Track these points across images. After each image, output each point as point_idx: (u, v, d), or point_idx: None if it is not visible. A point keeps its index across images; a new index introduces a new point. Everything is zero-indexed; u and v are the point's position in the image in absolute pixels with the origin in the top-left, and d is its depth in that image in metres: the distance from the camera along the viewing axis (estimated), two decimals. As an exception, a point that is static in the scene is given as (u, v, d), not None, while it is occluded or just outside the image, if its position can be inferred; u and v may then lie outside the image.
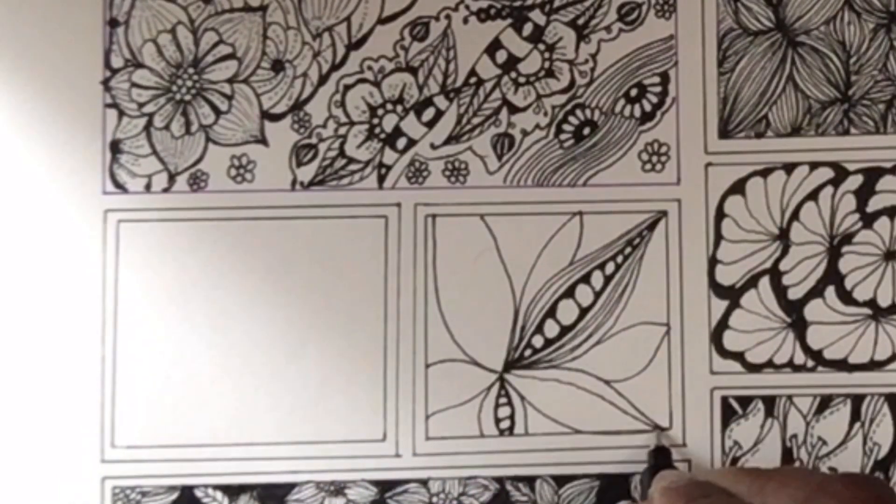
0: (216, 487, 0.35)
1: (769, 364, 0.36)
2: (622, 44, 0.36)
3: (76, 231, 0.36)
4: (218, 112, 0.36)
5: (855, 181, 0.36)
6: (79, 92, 0.36)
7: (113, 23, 0.36)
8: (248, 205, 0.36)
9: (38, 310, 0.35)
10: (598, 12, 0.36)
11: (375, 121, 0.36)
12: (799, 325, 0.36)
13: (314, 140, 0.36)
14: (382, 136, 0.36)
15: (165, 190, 0.36)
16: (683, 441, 0.36)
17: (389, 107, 0.36)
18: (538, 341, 0.36)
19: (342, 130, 0.36)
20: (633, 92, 0.36)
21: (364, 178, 0.36)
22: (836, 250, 0.36)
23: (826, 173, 0.36)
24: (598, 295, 0.36)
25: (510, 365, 0.36)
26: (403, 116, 0.36)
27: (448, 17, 0.36)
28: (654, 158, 0.36)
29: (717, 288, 0.36)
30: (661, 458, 0.35)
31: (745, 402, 0.36)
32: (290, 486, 0.35)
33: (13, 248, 0.36)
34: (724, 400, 0.36)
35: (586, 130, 0.36)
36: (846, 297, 0.36)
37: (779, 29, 0.37)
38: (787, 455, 0.35)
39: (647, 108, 0.36)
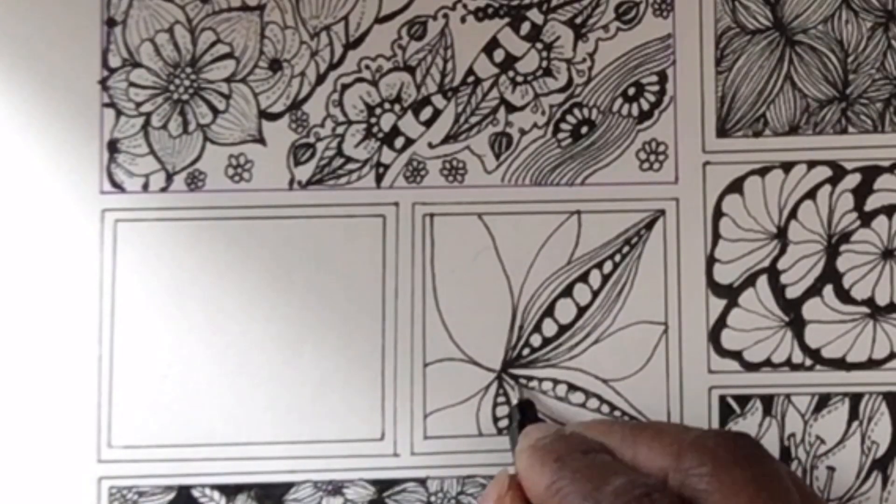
0: (213, 487, 0.35)
1: (767, 363, 0.36)
2: (620, 43, 0.36)
3: (73, 230, 0.36)
4: (215, 111, 0.36)
5: (853, 180, 0.36)
6: (76, 91, 0.36)
7: (110, 22, 0.36)
8: (246, 204, 0.36)
9: (34, 309, 0.35)
10: (596, 11, 0.37)
11: (373, 120, 0.36)
12: (797, 324, 0.36)
13: (312, 139, 0.36)
14: (380, 135, 0.36)
15: (163, 189, 0.36)
16: (682, 440, 0.35)
17: (387, 106, 0.36)
18: (536, 340, 0.36)
19: (340, 130, 0.36)
20: (631, 91, 0.36)
21: (362, 178, 0.36)
22: (834, 249, 0.36)
23: (824, 172, 0.36)
24: (596, 294, 0.36)
25: (508, 364, 0.36)
26: (401, 116, 0.36)
27: (446, 16, 0.36)
28: (652, 157, 0.36)
29: (714, 287, 0.36)
30: (526, 413, 0.34)
31: (742, 400, 0.36)
32: (287, 486, 0.35)
33: (10, 248, 0.35)
34: (722, 399, 0.36)
35: (584, 129, 0.36)
36: (844, 295, 0.36)
37: (776, 28, 0.37)
38: (786, 453, 0.35)
39: (645, 106, 0.36)
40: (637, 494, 0.28)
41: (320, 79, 0.36)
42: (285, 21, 0.36)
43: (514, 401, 0.35)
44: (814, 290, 0.36)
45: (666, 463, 0.29)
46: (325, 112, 0.36)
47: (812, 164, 0.36)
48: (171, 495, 0.35)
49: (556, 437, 0.32)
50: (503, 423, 0.35)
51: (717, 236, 0.36)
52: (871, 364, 0.36)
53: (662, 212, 0.36)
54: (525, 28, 0.37)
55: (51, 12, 0.36)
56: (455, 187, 0.36)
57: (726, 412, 0.36)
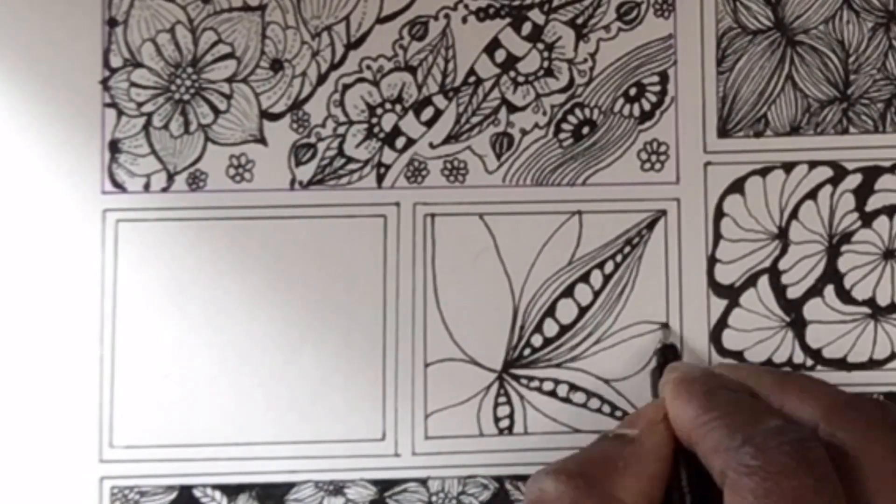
0: (215, 487, 0.35)
1: (768, 363, 0.36)
2: (621, 43, 0.36)
3: (75, 230, 0.36)
4: (217, 111, 0.36)
5: (854, 180, 0.36)
6: (77, 91, 0.36)
7: (112, 22, 0.36)
8: (247, 204, 0.36)
9: (36, 309, 0.35)
10: (597, 11, 0.37)
11: (374, 120, 0.36)
12: (798, 325, 0.36)
13: (313, 139, 0.36)
14: (381, 135, 0.36)
15: (164, 189, 0.36)
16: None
17: (388, 106, 0.36)
18: (537, 340, 0.36)
19: (341, 130, 0.36)
20: (633, 91, 0.36)
21: (363, 178, 0.36)
22: (835, 249, 0.36)
23: (825, 172, 0.36)
24: (597, 294, 0.36)
25: (509, 364, 0.36)
26: (402, 116, 0.36)
27: (447, 16, 0.36)
28: (654, 158, 0.36)
29: (716, 287, 0.36)
30: (669, 357, 0.34)
31: (744, 401, 0.36)
32: (288, 486, 0.35)
33: (11, 248, 0.35)
34: (724, 399, 0.36)
35: (585, 130, 0.36)
36: (845, 296, 0.36)
37: (778, 28, 0.37)
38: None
39: (646, 107, 0.36)
40: (791, 438, 0.27)
41: (321, 79, 0.36)
42: (286, 21, 0.36)
43: (659, 344, 0.35)
44: (815, 291, 0.36)
45: (816, 416, 0.29)
46: (327, 112, 0.36)
47: (813, 165, 0.36)
48: (173, 495, 0.35)
49: (706, 372, 0.32)
50: (504, 424, 0.35)
51: (718, 236, 0.36)
52: (872, 364, 0.36)
53: (664, 212, 0.36)
54: (526, 28, 0.37)
55: (51, 12, 0.36)
56: (456, 187, 0.36)
57: (727, 412, 0.36)
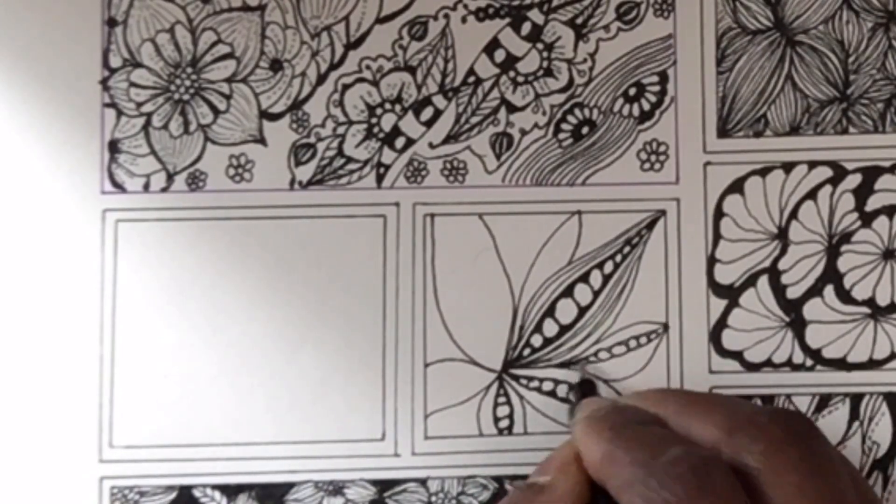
0: (214, 487, 0.35)
1: (768, 363, 0.36)
2: (621, 43, 0.36)
3: (74, 231, 0.36)
4: (216, 111, 0.36)
5: (854, 180, 0.36)
6: (77, 91, 0.36)
7: (111, 22, 0.36)
8: (247, 204, 0.36)
9: (35, 309, 0.35)
10: (597, 11, 0.37)
11: (374, 120, 0.36)
12: (798, 324, 0.36)
13: (313, 139, 0.36)
14: (381, 135, 0.36)
15: (164, 189, 0.36)
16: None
17: (388, 106, 0.36)
18: (537, 340, 0.36)
19: (341, 130, 0.36)
20: (632, 91, 0.36)
21: (362, 178, 0.36)
22: (834, 249, 0.36)
23: (825, 172, 0.36)
24: (596, 294, 0.36)
25: (509, 364, 0.36)
26: (402, 116, 0.36)
27: (446, 16, 0.36)
28: (653, 157, 0.36)
29: (715, 287, 0.36)
30: (587, 393, 0.34)
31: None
32: (288, 486, 0.35)
33: (11, 248, 0.35)
34: (723, 399, 0.36)
35: (585, 130, 0.36)
36: (845, 296, 0.36)
37: (777, 28, 0.37)
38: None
39: (646, 107, 0.36)
40: (692, 464, 0.28)
41: (321, 79, 0.36)
42: (286, 21, 0.36)
43: (576, 379, 0.35)
44: (814, 291, 0.36)
45: (719, 437, 0.29)
46: (326, 112, 0.36)
47: (813, 165, 0.36)
48: (173, 495, 0.35)
49: (612, 408, 0.32)
50: (504, 424, 0.35)
51: (717, 236, 0.36)
52: (872, 364, 0.36)
53: (663, 212, 0.36)
54: (526, 28, 0.37)
55: (51, 12, 0.36)
56: (456, 187, 0.36)
57: (727, 412, 0.36)
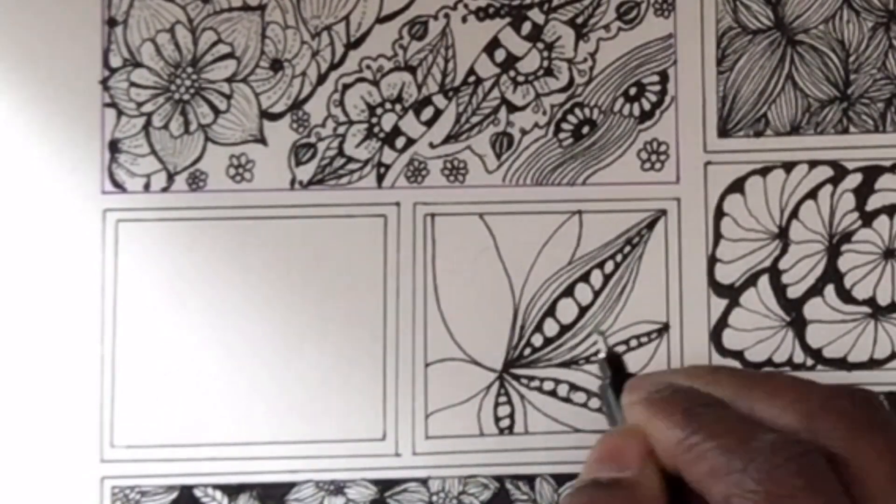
0: (215, 487, 0.35)
1: (768, 363, 0.36)
2: (621, 42, 0.36)
3: (75, 230, 0.36)
4: (217, 111, 0.36)
5: (854, 180, 0.36)
6: (77, 91, 0.36)
7: (111, 22, 0.36)
8: (247, 204, 0.36)
9: (36, 309, 0.35)
10: (597, 11, 0.36)
11: (374, 120, 0.36)
12: (798, 324, 0.36)
13: (313, 139, 0.36)
14: (381, 135, 0.36)
15: (164, 189, 0.36)
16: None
17: (388, 106, 0.36)
18: (538, 340, 0.36)
19: (341, 130, 0.36)
20: (632, 91, 0.36)
21: (363, 178, 0.36)
22: (835, 249, 0.36)
23: (825, 172, 0.36)
24: (597, 294, 0.36)
25: (510, 364, 0.36)
26: (402, 115, 0.36)
27: (447, 15, 0.36)
28: (654, 157, 0.36)
29: (716, 286, 0.36)
30: (617, 367, 0.32)
31: (744, 400, 0.36)
32: (289, 486, 0.35)
33: (11, 248, 0.35)
34: (724, 399, 0.36)
35: (585, 129, 0.36)
36: (845, 295, 0.36)
37: (778, 27, 0.37)
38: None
39: (646, 106, 0.36)
40: (793, 454, 0.26)
41: (321, 79, 0.36)
42: (286, 21, 0.36)
43: (602, 354, 0.33)
44: (815, 290, 0.36)
45: (793, 421, 0.28)
46: (327, 112, 0.36)
47: (813, 164, 0.36)
48: (174, 495, 0.35)
49: (673, 389, 0.29)
50: (505, 423, 0.35)
51: (718, 236, 0.36)
52: (873, 364, 0.36)
53: (664, 212, 0.36)
54: (526, 28, 0.36)
55: (51, 12, 0.36)
56: (456, 187, 0.36)
57: (727, 412, 0.36)
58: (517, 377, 0.36)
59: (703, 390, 0.29)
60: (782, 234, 0.36)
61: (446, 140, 0.36)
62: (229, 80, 0.36)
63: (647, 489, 0.28)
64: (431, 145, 0.36)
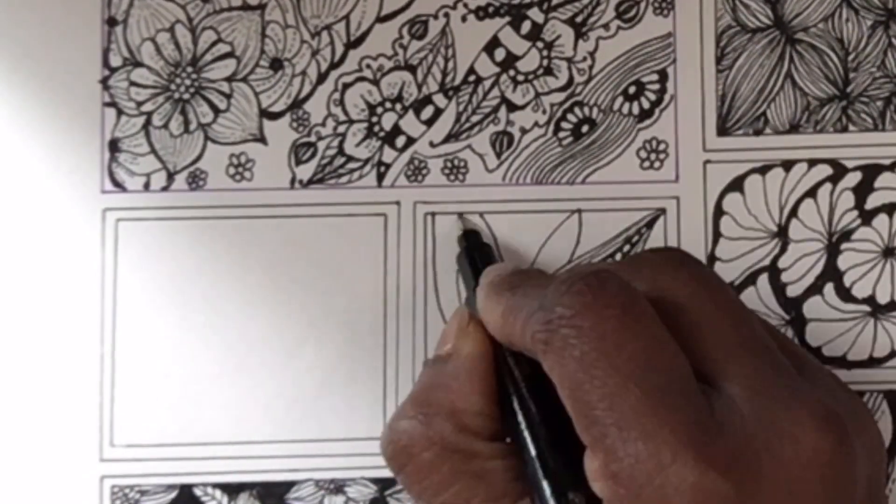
0: (215, 486, 0.35)
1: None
2: (620, 41, 0.37)
3: (75, 230, 0.36)
4: (216, 110, 0.36)
5: (853, 178, 0.36)
6: (77, 91, 0.36)
7: (111, 21, 0.36)
8: (247, 203, 0.36)
9: (36, 309, 0.35)
10: (597, 10, 0.37)
11: (374, 119, 0.36)
12: (798, 323, 0.36)
13: (313, 138, 0.36)
14: (381, 134, 0.36)
15: (164, 188, 0.36)
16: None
17: (388, 105, 0.36)
18: (537, 339, 0.36)
19: (341, 129, 0.36)
20: (632, 89, 0.36)
21: (363, 177, 0.36)
22: (834, 247, 0.36)
23: (824, 170, 0.36)
24: (597, 292, 0.36)
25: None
26: (402, 115, 0.36)
27: (447, 15, 0.37)
28: (653, 156, 0.36)
29: (716, 285, 0.36)
30: (471, 241, 0.34)
31: (744, 399, 0.36)
32: (289, 485, 0.35)
33: (11, 247, 0.35)
34: (724, 397, 0.36)
35: (585, 128, 0.36)
36: (845, 294, 0.36)
37: (777, 26, 0.37)
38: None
39: (646, 105, 0.36)
40: (582, 275, 0.26)
41: (321, 78, 0.36)
42: (286, 20, 0.36)
43: (459, 231, 0.35)
44: (814, 289, 0.36)
45: (641, 285, 0.27)
46: (327, 111, 0.36)
47: (813, 163, 0.36)
48: (173, 494, 0.35)
49: (514, 271, 0.31)
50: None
51: (717, 235, 0.36)
52: (872, 362, 0.36)
53: (663, 210, 0.36)
54: (526, 27, 0.37)
55: (51, 12, 0.36)
56: (456, 186, 0.36)
57: (727, 410, 0.36)
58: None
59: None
60: (782, 233, 0.36)
61: (446, 139, 0.36)
62: (229, 79, 0.36)
63: (464, 353, 0.30)
64: (432, 144, 0.36)
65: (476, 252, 0.34)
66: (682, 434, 0.24)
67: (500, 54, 0.36)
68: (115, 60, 0.36)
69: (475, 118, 0.36)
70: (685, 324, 0.27)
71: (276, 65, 0.36)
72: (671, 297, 0.27)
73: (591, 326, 0.25)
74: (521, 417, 0.28)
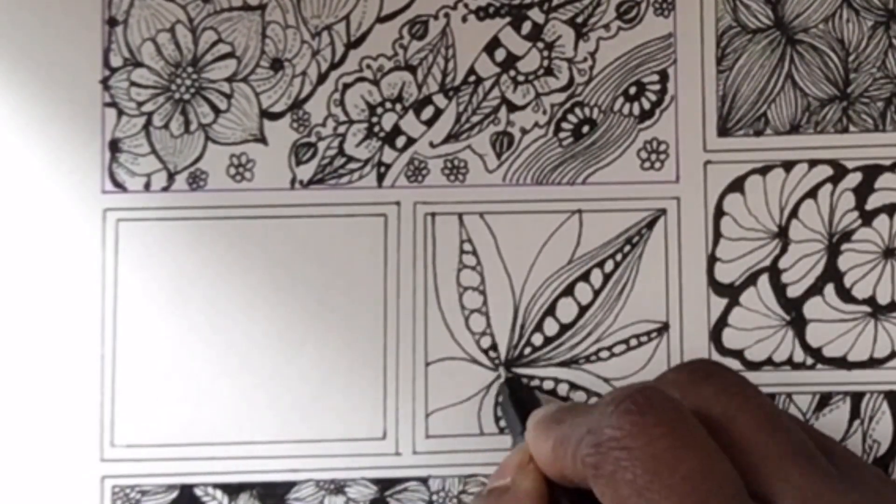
0: (216, 486, 0.35)
1: (768, 362, 0.36)
2: (621, 42, 0.37)
3: (75, 230, 0.36)
4: (217, 111, 0.36)
5: (854, 179, 0.36)
6: (78, 91, 0.36)
7: (112, 22, 0.36)
8: (248, 203, 0.36)
9: (36, 309, 0.35)
10: (597, 10, 0.37)
11: (374, 119, 0.36)
12: (798, 323, 0.36)
13: (313, 139, 0.36)
14: (381, 134, 0.36)
15: (165, 189, 0.36)
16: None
17: (388, 105, 0.36)
18: (538, 339, 0.36)
19: (341, 129, 0.36)
20: (632, 90, 0.36)
21: (363, 177, 0.36)
22: (835, 248, 0.36)
23: (825, 171, 0.36)
24: (597, 293, 0.36)
25: (510, 363, 0.36)
26: (402, 115, 0.36)
27: (447, 15, 0.36)
28: (653, 156, 0.36)
29: (716, 286, 0.36)
30: (514, 388, 0.35)
31: (744, 399, 0.36)
32: (289, 485, 0.35)
33: (11, 248, 0.35)
34: (724, 398, 0.36)
35: (585, 129, 0.36)
36: (845, 294, 0.36)
37: (777, 27, 0.37)
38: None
39: (646, 106, 0.36)
40: (628, 393, 0.26)
41: (321, 78, 0.36)
42: (286, 21, 0.36)
43: (502, 378, 0.35)
44: (815, 289, 0.36)
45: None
46: (327, 111, 0.36)
47: (813, 163, 0.36)
48: (174, 494, 0.35)
49: (561, 407, 0.31)
50: (505, 423, 0.35)
51: (718, 235, 0.36)
52: (873, 363, 0.36)
53: (663, 211, 0.36)
54: (526, 27, 0.37)
55: (51, 12, 0.36)
56: (456, 186, 0.36)
57: (727, 411, 0.36)
58: (518, 376, 0.36)
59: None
60: (782, 234, 0.36)
61: (446, 139, 0.36)
62: (229, 79, 0.36)
63: (522, 489, 0.30)
64: (432, 145, 0.36)
65: (519, 397, 0.34)
66: None
67: (500, 55, 0.36)
68: (116, 61, 0.36)
69: (475, 118, 0.36)
70: (725, 440, 0.26)
71: (277, 65, 0.36)
72: (706, 415, 0.27)
73: (641, 447, 0.25)
74: None
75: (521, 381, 0.35)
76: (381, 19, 0.36)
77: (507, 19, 0.37)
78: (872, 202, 0.36)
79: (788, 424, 0.28)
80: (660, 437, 0.25)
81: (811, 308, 0.36)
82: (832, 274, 0.36)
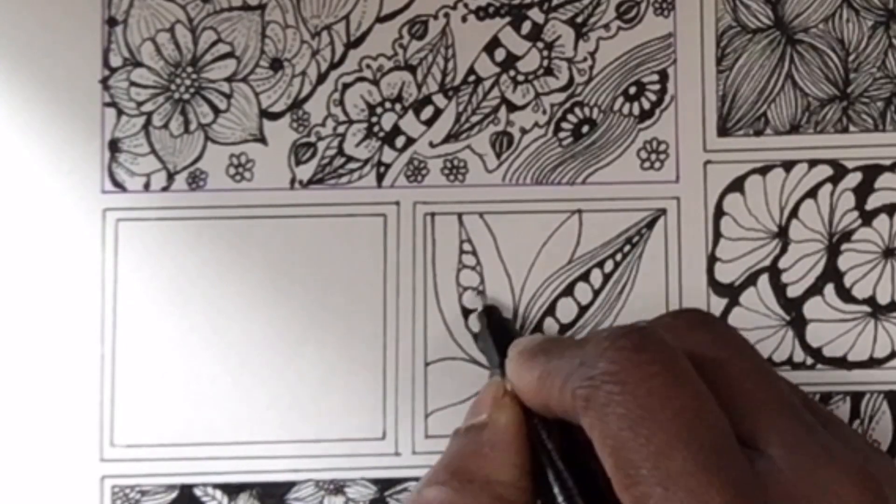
0: (215, 486, 0.35)
1: (768, 361, 0.36)
2: (621, 42, 0.36)
3: (75, 230, 0.36)
4: (217, 111, 0.36)
5: (854, 179, 0.36)
6: (77, 91, 0.36)
7: (111, 21, 0.36)
8: (247, 203, 0.36)
9: (36, 309, 0.35)
10: (597, 10, 0.36)
11: (374, 119, 0.36)
12: (798, 323, 0.36)
13: (313, 139, 0.36)
14: (381, 134, 0.36)
15: (164, 189, 0.36)
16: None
17: (388, 105, 0.36)
18: (537, 339, 0.36)
19: (341, 129, 0.36)
20: (632, 90, 0.36)
21: (363, 177, 0.36)
22: (835, 248, 0.36)
23: (825, 171, 0.36)
24: (597, 293, 0.36)
25: (509, 363, 0.36)
26: (402, 115, 0.36)
27: (447, 15, 0.36)
28: (653, 156, 0.36)
29: (716, 286, 0.36)
30: (492, 316, 0.34)
31: (744, 399, 0.36)
32: (289, 485, 0.35)
33: (11, 248, 0.35)
34: (724, 398, 0.36)
35: (585, 128, 0.36)
36: (845, 294, 0.36)
37: (777, 27, 0.37)
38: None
39: (646, 105, 0.36)
40: (623, 332, 0.26)
41: (321, 78, 0.36)
42: (286, 20, 0.36)
43: (479, 307, 0.35)
44: (815, 289, 0.36)
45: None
46: (326, 111, 0.36)
47: (813, 163, 0.36)
48: (174, 494, 0.35)
49: (546, 338, 0.31)
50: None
51: (718, 235, 0.36)
52: (873, 363, 0.36)
53: (663, 211, 0.36)
54: (526, 27, 0.37)
55: (51, 12, 0.36)
56: (456, 186, 0.36)
57: (727, 411, 0.36)
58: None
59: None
60: (782, 234, 0.36)
61: (446, 139, 0.36)
62: (229, 79, 0.36)
63: (500, 423, 0.30)
64: (431, 144, 0.36)
65: (498, 326, 0.34)
66: (728, 493, 0.24)
67: (500, 54, 0.36)
68: (116, 60, 0.36)
69: (475, 118, 0.36)
70: (716, 385, 0.26)
71: (276, 65, 0.36)
72: (699, 360, 0.27)
73: (635, 382, 0.25)
74: (557, 490, 0.28)
75: (500, 311, 0.35)
76: (381, 19, 0.36)
77: (507, 19, 0.36)
78: (872, 202, 0.36)
79: (777, 378, 0.28)
80: (654, 374, 0.25)
81: (811, 308, 0.36)
82: (832, 274, 0.36)
